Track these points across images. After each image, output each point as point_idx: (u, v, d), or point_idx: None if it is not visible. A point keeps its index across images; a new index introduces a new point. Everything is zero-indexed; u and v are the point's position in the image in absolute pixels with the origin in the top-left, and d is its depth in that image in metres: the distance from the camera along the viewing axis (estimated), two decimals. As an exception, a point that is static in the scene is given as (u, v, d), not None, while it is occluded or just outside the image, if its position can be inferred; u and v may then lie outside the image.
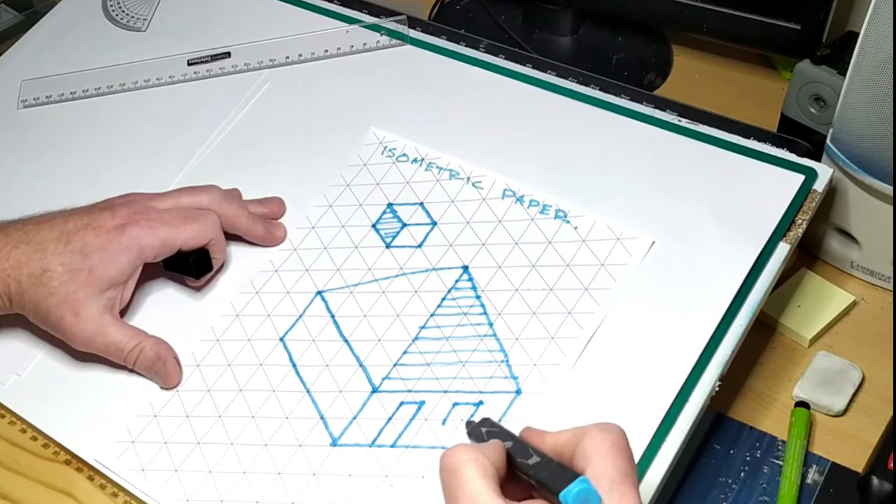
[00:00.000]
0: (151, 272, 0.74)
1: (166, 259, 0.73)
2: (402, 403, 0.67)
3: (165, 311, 0.75)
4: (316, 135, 0.83)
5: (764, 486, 0.68)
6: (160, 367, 0.70)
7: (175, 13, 0.95)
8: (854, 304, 0.78)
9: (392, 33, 0.88)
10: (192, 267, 0.73)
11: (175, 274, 0.75)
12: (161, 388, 0.71)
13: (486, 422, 0.55)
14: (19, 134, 0.89)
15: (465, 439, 0.64)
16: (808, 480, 0.68)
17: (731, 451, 0.70)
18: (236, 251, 0.77)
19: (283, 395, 0.69)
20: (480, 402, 0.66)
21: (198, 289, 0.75)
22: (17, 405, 0.73)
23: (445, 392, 0.66)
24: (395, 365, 0.68)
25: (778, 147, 0.74)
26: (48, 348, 0.74)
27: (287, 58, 0.88)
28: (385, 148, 0.80)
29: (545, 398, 0.65)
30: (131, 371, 0.71)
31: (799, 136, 0.77)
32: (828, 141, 0.76)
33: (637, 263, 0.69)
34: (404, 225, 0.75)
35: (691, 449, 0.69)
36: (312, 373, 0.69)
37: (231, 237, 0.76)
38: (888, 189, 0.73)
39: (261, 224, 0.76)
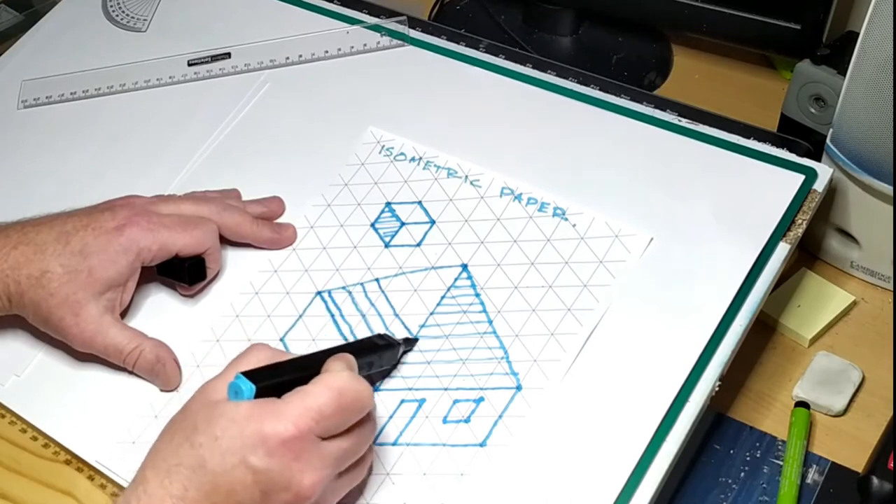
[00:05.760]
0: (151, 274, 0.74)
1: (161, 264, 0.72)
2: (402, 402, 0.67)
3: (165, 311, 0.75)
4: (316, 135, 0.82)
5: (764, 486, 0.67)
6: (159, 369, 0.70)
7: (175, 13, 0.95)
8: (854, 304, 0.78)
9: (392, 34, 0.88)
10: (187, 273, 0.72)
11: (167, 280, 0.75)
12: (161, 389, 0.71)
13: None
14: (19, 134, 0.89)
15: (468, 437, 0.64)
16: (808, 480, 0.68)
17: (731, 451, 0.70)
18: (236, 252, 0.76)
19: (283, 395, 0.69)
20: (481, 399, 0.65)
21: (189, 297, 0.75)
22: (16, 406, 0.73)
23: (446, 390, 0.66)
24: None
25: (778, 147, 0.74)
26: (48, 349, 0.74)
27: (287, 58, 0.88)
28: (383, 147, 0.80)
29: (546, 394, 0.65)
30: (131, 372, 0.71)
31: (799, 136, 0.77)
32: (828, 141, 0.76)
33: (635, 260, 0.69)
34: (403, 224, 0.75)
35: (691, 449, 0.69)
36: (313, 372, 0.69)
37: (233, 241, 0.76)
38: (888, 189, 0.73)
39: (266, 228, 0.76)
